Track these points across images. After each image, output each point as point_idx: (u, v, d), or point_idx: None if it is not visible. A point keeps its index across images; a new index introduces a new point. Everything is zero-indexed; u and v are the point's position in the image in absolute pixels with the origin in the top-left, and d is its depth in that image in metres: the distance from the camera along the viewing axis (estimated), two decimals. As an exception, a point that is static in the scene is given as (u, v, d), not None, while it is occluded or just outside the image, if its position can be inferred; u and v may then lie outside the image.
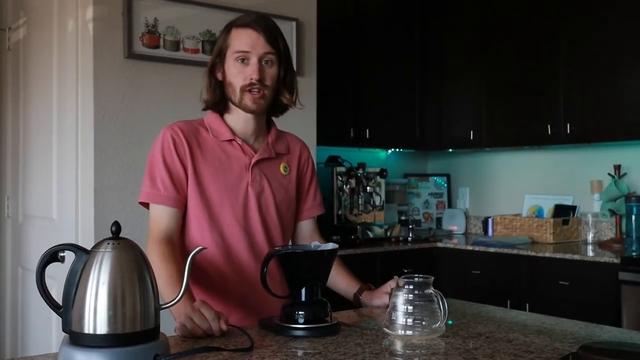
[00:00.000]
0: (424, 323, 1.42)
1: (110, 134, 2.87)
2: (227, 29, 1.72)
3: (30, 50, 3.36)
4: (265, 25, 1.69)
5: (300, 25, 3.43)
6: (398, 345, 1.40)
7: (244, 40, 1.67)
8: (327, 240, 1.80)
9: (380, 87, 4.26)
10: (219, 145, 1.73)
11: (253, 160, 1.73)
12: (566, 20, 3.75)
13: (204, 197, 1.69)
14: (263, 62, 1.67)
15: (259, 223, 1.73)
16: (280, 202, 1.78)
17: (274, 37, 1.69)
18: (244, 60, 1.67)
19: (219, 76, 1.72)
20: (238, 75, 1.67)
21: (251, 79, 1.66)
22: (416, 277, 1.46)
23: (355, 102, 4.13)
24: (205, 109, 1.78)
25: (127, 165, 2.89)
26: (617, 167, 3.73)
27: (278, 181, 1.78)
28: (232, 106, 1.73)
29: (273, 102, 1.75)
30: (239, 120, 1.74)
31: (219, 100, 1.74)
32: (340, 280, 1.81)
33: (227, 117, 1.76)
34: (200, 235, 1.70)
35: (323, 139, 3.62)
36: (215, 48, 1.73)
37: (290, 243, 1.88)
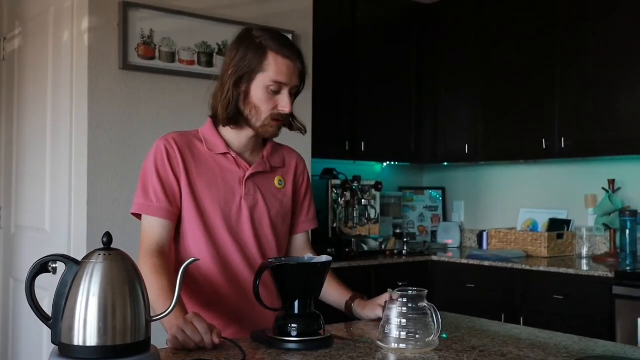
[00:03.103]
0: (417, 336, 1.41)
1: (104, 145, 2.86)
2: (261, 49, 1.63)
3: (25, 60, 3.36)
4: (302, 57, 1.68)
5: (296, 38, 3.44)
6: (391, 359, 1.39)
7: (284, 72, 1.64)
8: (322, 253, 1.80)
9: (376, 100, 4.26)
10: (213, 158, 1.72)
11: (247, 174, 1.72)
12: (562, 35, 3.76)
13: (199, 210, 1.68)
14: (291, 93, 1.68)
15: (252, 236, 1.72)
16: (274, 215, 1.77)
17: (305, 70, 1.70)
18: (276, 90, 1.65)
19: (239, 91, 1.66)
20: (267, 102, 1.65)
21: (283, 110, 1.66)
22: (410, 290, 1.45)
23: (350, 115, 4.13)
24: (223, 124, 1.71)
25: (120, 176, 2.89)
26: (612, 182, 3.74)
27: (272, 194, 1.77)
28: (242, 123, 1.69)
29: None
30: (242, 137, 1.72)
31: (234, 115, 1.67)
32: (332, 290, 1.79)
33: (228, 131, 1.72)
34: (197, 247, 1.69)
35: (318, 151, 3.62)
36: (244, 63, 1.64)
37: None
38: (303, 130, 1.78)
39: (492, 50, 4.14)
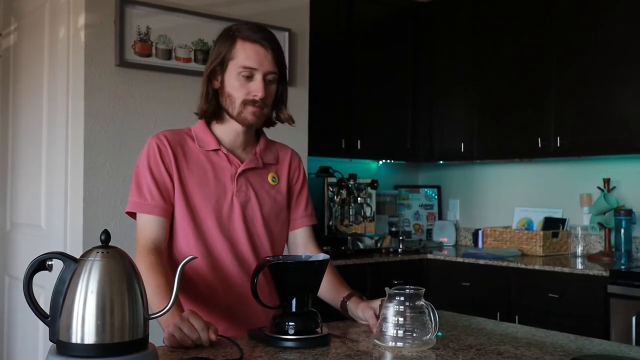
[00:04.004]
0: (414, 335, 1.42)
1: (101, 142, 2.85)
2: (232, 38, 1.67)
3: (20, 56, 3.35)
4: (274, 42, 1.68)
5: (292, 35, 3.44)
6: (388, 357, 1.40)
7: (252, 57, 1.64)
8: (319, 250, 1.80)
9: (372, 98, 4.26)
10: (204, 155, 1.71)
11: (239, 170, 1.72)
12: (558, 35, 3.77)
13: (189, 207, 1.68)
14: (266, 80, 1.66)
15: (244, 233, 1.71)
16: (267, 212, 1.76)
17: (280, 55, 1.68)
18: (248, 76, 1.65)
19: (215, 84, 1.70)
20: (240, 89, 1.65)
21: (255, 96, 1.65)
22: (407, 288, 1.45)
23: (346, 113, 4.13)
24: (200, 118, 1.76)
25: (117, 173, 2.88)
26: (607, 181, 3.75)
27: (265, 191, 1.76)
28: (225, 117, 1.72)
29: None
30: (230, 131, 1.73)
31: (214, 109, 1.71)
32: (330, 287, 1.74)
33: (217, 127, 1.74)
34: (186, 245, 1.68)
35: (314, 149, 3.62)
36: (216, 55, 1.68)
37: (286, 252, 1.86)
38: (291, 121, 1.77)
39: (488, 49, 4.14)
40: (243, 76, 1.64)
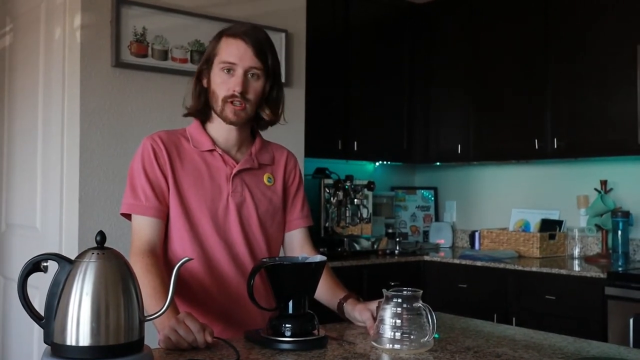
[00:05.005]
0: (412, 337, 1.41)
1: (96, 143, 2.84)
2: (218, 36, 1.69)
3: (16, 57, 3.33)
4: (256, 38, 1.67)
5: (289, 36, 3.43)
6: (385, 359, 1.39)
7: (232, 52, 1.64)
8: (316, 251, 1.79)
9: (369, 100, 4.26)
10: (199, 156, 1.71)
11: (234, 171, 1.71)
12: (554, 36, 3.77)
13: (184, 208, 1.66)
14: (249, 75, 1.65)
15: (240, 234, 1.70)
16: (263, 213, 1.75)
17: (263, 51, 1.67)
18: (229, 71, 1.65)
19: (205, 83, 1.70)
20: (221, 85, 1.65)
21: (234, 90, 1.64)
22: (405, 290, 1.44)
23: (343, 114, 4.13)
24: (186, 115, 1.75)
25: (112, 174, 2.87)
26: (604, 182, 3.75)
27: (261, 192, 1.75)
28: (214, 115, 1.72)
29: (256, 115, 1.74)
30: (221, 130, 1.72)
31: (202, 107, 1.72)
32: (326, 288, 1.73)
33: (210, 126, 1.74)
34: (181, 246, 1.67)
35: (311, 150, 3.61)
36: (205, 54, 1.72)
37: (282, 254, 1.85)
38: (274, 119, 1.75)
39: (484, 51, 4.14)
40: (224, 71, 1.65)
